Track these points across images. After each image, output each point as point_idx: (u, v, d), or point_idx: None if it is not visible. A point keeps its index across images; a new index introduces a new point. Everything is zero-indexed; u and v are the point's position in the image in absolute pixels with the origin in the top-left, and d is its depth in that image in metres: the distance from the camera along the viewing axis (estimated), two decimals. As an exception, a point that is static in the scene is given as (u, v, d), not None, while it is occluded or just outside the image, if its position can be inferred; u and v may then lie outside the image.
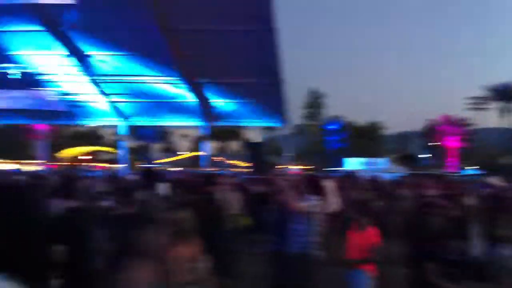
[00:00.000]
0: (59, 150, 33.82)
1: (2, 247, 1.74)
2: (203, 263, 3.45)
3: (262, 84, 18.47)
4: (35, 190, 1.74)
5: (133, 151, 36.41)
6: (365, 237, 5.67)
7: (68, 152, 35.96)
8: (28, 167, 23.97)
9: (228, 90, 19.18)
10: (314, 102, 53.90)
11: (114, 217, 5.23)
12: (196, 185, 8.00)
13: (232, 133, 57.53)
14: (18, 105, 20.87)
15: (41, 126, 23.44)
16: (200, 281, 3.21)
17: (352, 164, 32.96)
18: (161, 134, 47.75)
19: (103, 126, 44.77)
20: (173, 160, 45.25)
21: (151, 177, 6.30)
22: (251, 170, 22.34)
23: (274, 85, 18.48)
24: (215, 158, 49.88)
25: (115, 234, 4.88)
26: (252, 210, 8.92)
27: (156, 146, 43.01)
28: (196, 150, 52.97)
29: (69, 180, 5.64)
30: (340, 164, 34.66)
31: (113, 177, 11.35)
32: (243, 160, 40.27)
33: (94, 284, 4.49)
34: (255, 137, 48.74)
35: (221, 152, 57.72)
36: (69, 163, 32.42)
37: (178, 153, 52.06)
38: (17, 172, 18.34)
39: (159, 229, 4.16)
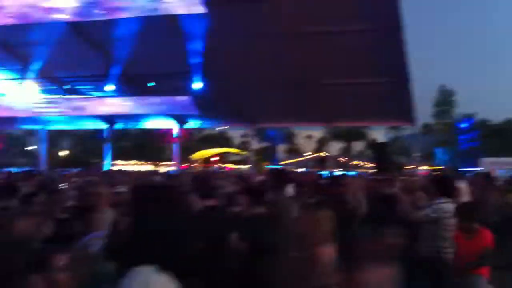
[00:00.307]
0: (192, 152, 35.55)
1: (150, 243, 1.93)
2: (337, 265, 3.46)
3: (388, 83, 18.08)
4: (175, 189, 1.89)
5: (259, 152, 37.32)
6: (477, 241, 5.33)
7: (200, 154, 37.67)
8: (164, 168, 25.50)
9: (353, 90, 18.99)
10: (444, 100, 51.40)
11: (246, 217, 5.41)
12: (324, 186, 8.04)
13: (357, 133, 56.64)
14: (155, 110, 22.38)
15: (175, 130, 24.87)
16: (334, 284, 3.23)
17: (487, 163, 30.95)
18: (286, 135, 48.36)
19: (232, 129, 46.46)
20: (298, 161, 45.59)
21: (281, 178, 6.43)
22: (377, 170, 21.90)
23: (400, 84, 18.02)
24: (340, 159, 49.51)
25: (247, 234, 5.05)
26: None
27: (282, 147, 43.61)
28: (321, 151, 52.94)
29: (205, 180, 5.95)
30: (472, 164, 32.73)
31: (242, 178, 11.73)
32: (368, 161, 39.48)
33: (228, 283, 4.69)
34: (380, 137, 47.61)
35: (345, 152, 57.13)
36: (202, 164, 33.96)
37: (303, 154, 52.37)
38: (155, 173, 19.58)
39: (292, 230, 4.27)
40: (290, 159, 45.82)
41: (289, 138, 51.91)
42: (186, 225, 2.04)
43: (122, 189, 7.44)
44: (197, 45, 19.08)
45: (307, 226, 3.72)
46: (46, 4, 16.14)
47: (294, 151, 54.51)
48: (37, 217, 4.63)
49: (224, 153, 43.11)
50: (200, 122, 25.52)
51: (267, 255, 4.24)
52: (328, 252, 3.52)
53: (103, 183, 6.50)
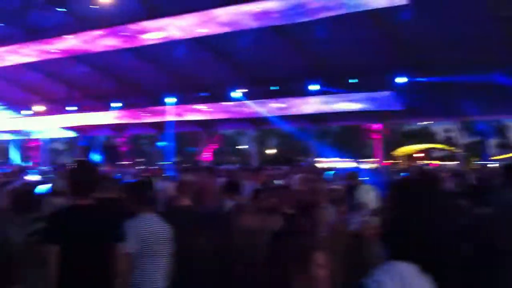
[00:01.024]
0: (394, 148, 34.81)
1: (415, 240, 1.85)
2: None
3: None
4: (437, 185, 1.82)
5: (468, 147, 34.99)
6: None
7: (403, 150, 36.68)
8: (366, 165, 25.40)
9: None
10: None
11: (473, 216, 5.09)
12: None
13: None
14: (357, 106, 22.45)
15: (377, 126, 24.61)
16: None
17: None
18: (498, 129, 44.58)
19: (436, 124, 44.32)
20: (511, 157, 41.67)
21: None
22: None
23: None
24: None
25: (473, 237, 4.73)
26: None
27: (492, 142, 40.31)
28: (538, 146, 47.59)
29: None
30: None
31: (460, 175, 11.12)
32: None
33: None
34: None
35: None
36: (405, 161, 33.06)
37: (517, 149, 47.68)
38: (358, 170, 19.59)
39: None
40: (502, 154, 42.09)
41: (501, 131, 47.70)
42: (451, 223, 1.94)
43: (336, 186, 7.60)
44: (400, 38, 18.72)
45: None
46: (255, 10, 17.08)
47: (506, 146, 49.93)
48: (265, 212, 4.92)
49: (429, 149, 41.29)
50: (403, 117, 24.90)
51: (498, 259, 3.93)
52: None
53: (320, 180, 6.69)
